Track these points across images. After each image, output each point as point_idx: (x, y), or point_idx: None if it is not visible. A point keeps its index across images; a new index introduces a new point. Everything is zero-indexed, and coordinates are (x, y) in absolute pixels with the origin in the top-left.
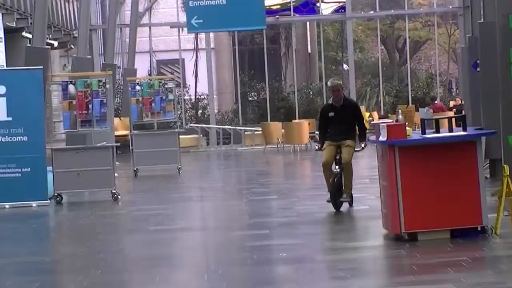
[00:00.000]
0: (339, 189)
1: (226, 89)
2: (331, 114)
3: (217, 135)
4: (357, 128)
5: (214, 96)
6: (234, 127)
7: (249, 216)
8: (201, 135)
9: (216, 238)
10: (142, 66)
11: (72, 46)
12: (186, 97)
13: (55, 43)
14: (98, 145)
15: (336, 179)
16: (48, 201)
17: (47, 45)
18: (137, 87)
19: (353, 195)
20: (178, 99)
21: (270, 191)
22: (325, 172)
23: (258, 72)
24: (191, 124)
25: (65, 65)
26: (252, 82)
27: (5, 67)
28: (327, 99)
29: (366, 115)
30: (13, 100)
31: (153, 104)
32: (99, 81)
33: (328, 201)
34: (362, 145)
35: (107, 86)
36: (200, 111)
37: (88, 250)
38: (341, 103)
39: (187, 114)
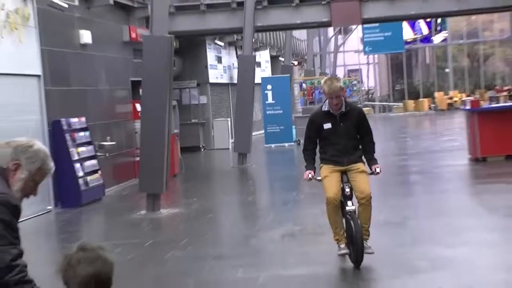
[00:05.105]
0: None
1: None
2: (327, 125)
3: None
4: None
5: None
6: None
7: None
8: None
9: None
10: None
11: None
12: None
13: None
14: None
15: (353, 221)
16: (293, 142)
17: None
18: None
19: None
20: None
21: None
22: (332, 212)
23: None
24: None
25: None
26: None
27: None
28: None
29: None
30: (277, 96)
31: None
32: None
33: (342, 254)
34: (378, 170)
35: None
36: None
37: None
38: (343, 110)
39: None
